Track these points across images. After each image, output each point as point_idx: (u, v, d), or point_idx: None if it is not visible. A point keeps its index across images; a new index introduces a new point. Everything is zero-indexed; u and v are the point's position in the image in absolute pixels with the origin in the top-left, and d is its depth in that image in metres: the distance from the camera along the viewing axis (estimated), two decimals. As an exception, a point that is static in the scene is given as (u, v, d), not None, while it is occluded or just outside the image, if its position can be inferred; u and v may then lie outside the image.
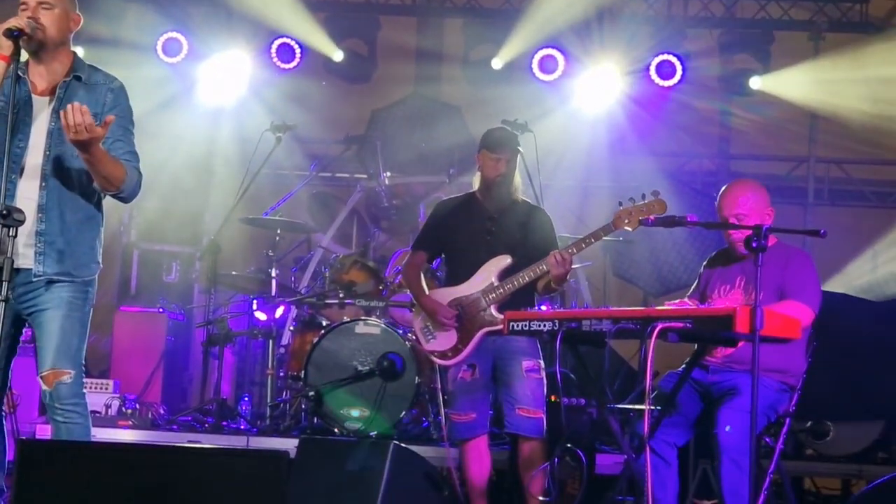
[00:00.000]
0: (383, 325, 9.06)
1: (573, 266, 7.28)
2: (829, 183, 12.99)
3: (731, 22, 12.36)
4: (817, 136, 12.71)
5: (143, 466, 4.98)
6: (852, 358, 8.43)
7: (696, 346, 6.33)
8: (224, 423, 9.27)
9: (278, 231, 10.24)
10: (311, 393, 8.89)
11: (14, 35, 5.58)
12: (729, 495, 6.18)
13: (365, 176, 11.69)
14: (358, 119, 12.40)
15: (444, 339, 7.41)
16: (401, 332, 9.06)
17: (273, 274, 9.99)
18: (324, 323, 9.56)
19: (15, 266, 5.48)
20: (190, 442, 8.59)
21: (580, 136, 11.86)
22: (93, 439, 5.94)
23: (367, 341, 9.01)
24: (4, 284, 5.33)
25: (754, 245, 5.90)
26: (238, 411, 9.71)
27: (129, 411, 9.42)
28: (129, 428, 9.09)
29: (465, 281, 7.38)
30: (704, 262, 7.07)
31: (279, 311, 10.28)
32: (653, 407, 6.05)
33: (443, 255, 7.82)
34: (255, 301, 10.23)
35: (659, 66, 11.68)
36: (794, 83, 11.96)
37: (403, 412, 8.88)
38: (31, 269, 5.74)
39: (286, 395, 9.69)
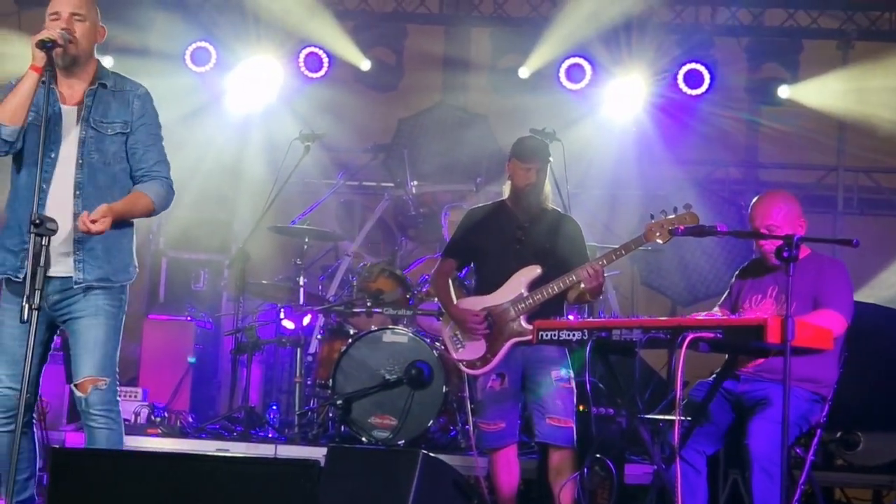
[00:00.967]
0: (411, 334, 9.06)
1: (601, 275, 7.28)
2: (859, 192, 12.94)
3: (759, 30, 12.34)
4: (846, 145, 12.66)
5: (175, 475, 5.00)
6: (883, 368, 8.39)
7: (726, 356, 6.32)
8: (252, 431, 9.27)
9: (306, 239, 10.23)
10: (339, 401, 8.90)
11: (47, 46, 5.63)
12: (760, 506, 6.17)
13: (392, 184, 11.70)
14: (385, 128, 12.41)
15: (473, 349, 7.40)
16: (428, 340, 9.06)
17: (301, 282, 9.99)
18: (351, 331, 9.57)
19: (49, 274, 5.53)
20: (219, 450, 8.62)
21: (608, 144, 11.83)
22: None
23: (395, 350, 9.01)
24: (37, 293, 5.37)
25: (785, 255, 5.87)
26: (266, 419, 9.72)
27: (158, 419, 9.46)
28: (158, 436, 9.12)
29: (494, 290, 7.38)
30: (736, 273, 7.05)
31: (306, 320, 10.29)
32: (683, 417, 6.03)
33: (472, 264, 7.81)
34: (282, 310, 10.24)
35: (687, 75, 11.67)
36: (822, 92, 11.94)
37: (431, 421, 8.87)
38: (67, 277, 5.80)
39: (314, 403, 9.68)
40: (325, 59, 11.89)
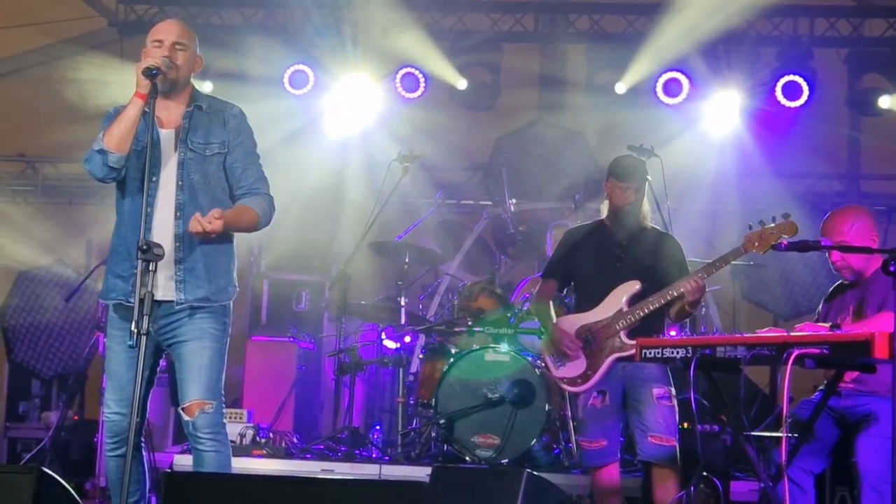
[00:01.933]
0: (513, 352, 9.07)
1: (702, 290, 7.24)
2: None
3: (858, 41, 12.18)
4: (949, 155, 12.47)
5: (285, 498, 5.04)
6: None
7: (826, 371, 6.26)
8: (356, 451, 9.33)
9: (406, 259, 10.27)
10: (442, 421, 8.93)
11: (152, 74, 5.73)
12: (870, 523, 6.10)
13: (490, 203, 11.72)
14: (482, 146, 12.44)
15: (574, 366, 7.39)
16: (530, 358, 9.05)
17: (402, 302, 10.02)
18: (453, 350, 9.59)
19: (156, 299, 5.62)
20: (324, 471, 8.71)
21: (707, 159, 11.76)
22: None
23: (497, 368, 9.03)
24: (145, 318, 5.46)
25: (892, 269, 5.80)
26: (369, 439, 9.77)
27: (263, 440, 9.55)
28: (264, 457, 9.21)
29: (594, 307, 7.37)
30: (823, 300, 6.99)
31: (408, 339, 10.34)
32: (790, 434, 5.98)
33: (572, 283, 7.81)
34: (383, 331, 10.29)
35: (785, 87, 11.59)
36: (925, 102, 11.79)
37: (534, 439, 8.86)
38: (170, 301, 5.88)
39: (416, 422, 9.72)
40: (422, 80, 11.95)
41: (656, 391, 7.19)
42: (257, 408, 10.17)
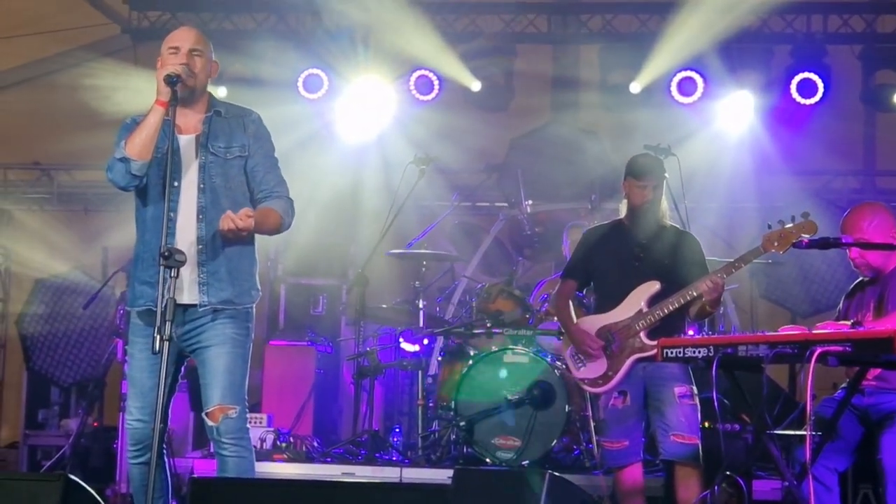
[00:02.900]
0: (532, 354, 9.07)
1: (720, 289, 7.23)
2: (979, 198, 12.70)
3: (872, 37, 12.12)
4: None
5: (309, 501, 5.04)
6: None
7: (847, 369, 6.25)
8: (377, 454, 9.32)
9: (423, 262, 10.27)
10: (462, 423, 8.93)
11: (173, 81, 5.75)
12: (895, 521, 6.09)
13: (506, 204, 11.72)
14: (497, 148, 12.45)
15: (595, 367, 7.40)
16: (549, 360, 9.05)
17: (420, 305, 10.02)
18: (471, 352, 9.59)
19: (180, 302, 5.64)
20: (344, 474, 8.72)
21: (723, 157, 11.73)
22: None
23: (516, 370, 9.04)
24: (168, 324, 5.47)
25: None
26: (390, 443, 9.76)
27: (284, 444, 9.55)
28: (285, 461, 9.22)
29: (614, 308, 7.37)
30: (843, 296, 6.98)
31: (426, 341, 10.33)
32: (814, 432, 5.97)
33: (591, 283, 7.81)
34: (401, 336, 10.28)
35: (800, 85, 11.57)
36: (940, 97, 11.76)
37: (555, 441, 8.87)
38: (193, 305, 5.90)
39: (436, 425, 9.72)
40: (436, 82, 11.94)
41: (678, 390, 7.19)
42: (277, 412, 10.18)
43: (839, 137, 12.40)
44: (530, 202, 10.88)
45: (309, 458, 9.43)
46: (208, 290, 5.91)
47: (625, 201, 7.53)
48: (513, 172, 11.26)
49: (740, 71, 11.73)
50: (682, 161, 8.69)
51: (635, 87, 11.91)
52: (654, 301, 7.26)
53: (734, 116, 11.78)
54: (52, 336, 12.71)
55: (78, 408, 12.24)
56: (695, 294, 7.12)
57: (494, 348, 9.26)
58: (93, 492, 5.62)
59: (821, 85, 11.53)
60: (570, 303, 7.70)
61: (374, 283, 10.29)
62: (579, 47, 12.85)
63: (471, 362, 9.19)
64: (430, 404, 9.81)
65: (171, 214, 5.82)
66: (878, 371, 6.37)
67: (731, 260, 7.28)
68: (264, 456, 9.09)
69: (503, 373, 9.03)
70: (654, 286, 7.28)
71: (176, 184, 5.91)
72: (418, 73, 11.94)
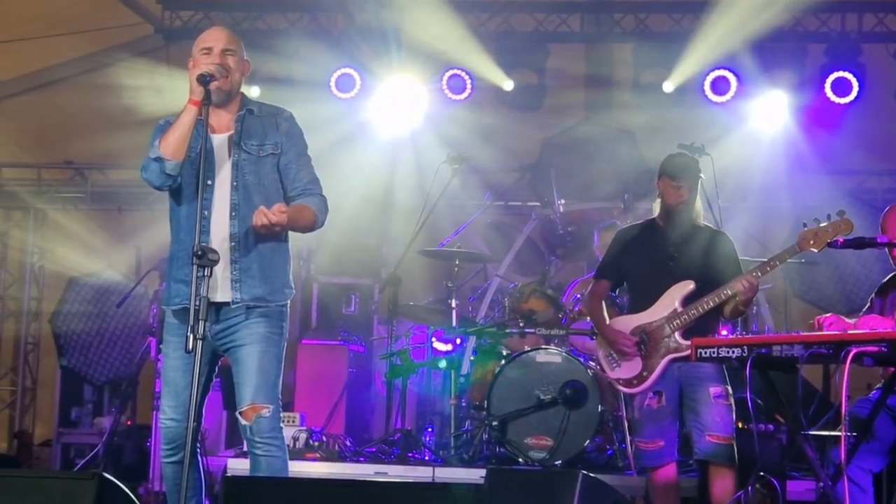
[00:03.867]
0: (564, 354, 9.07)
1: (754, 289, 7.20)
2: None
3: (907, 35, 12.08)
4: None
5: (344, 501, 5.04)
6: None
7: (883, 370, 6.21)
8: (409, 453, 9.32)
9: (456, 261, 10.26)
10: (495, 422, 8.93)
11: (206, 81, 5.76)
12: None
13: (539, 204, 11.70)
14: (530, 147, 12.41)
15: (629, 367, 7.37)
16: (582, 359, 9.04)
17: (453, 304, 10.01)
18: (504, 352, 9.58)
19: (213, 301, 5.65)
20: (377, 473, 8.73)
21: (757, 156, 11.69)
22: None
23: (549, 370, 9.03)
24: (202, 323, 5.47)
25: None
26: (422, 442, 9.77)
27: (317, 443, 9.56)
28: (318, 460, 9.22)
29: (647, 308, 7.35)
30: (873, 293, 6.92)
31: (458, 340, 10.33)
32: (849, 433, 5.93)
33: (624, 283, 7.78)
34: (433, 335, 10.27)
35: (834, 83, 11.51)
36: (975, 95, 11.68)
37: (587, 441, 8.86)
38: (226, 303, 5.90)
39: (469, 424, 9.72)
40: (469, 81, 11.93)
41: (713, 390, 7.16)
42: (309, 411, 10.19)
43: (874, 136, 12.33)
44: (563, 201, 10.86)
45: (341, 458, 9.44)
46: (241, 287, 5.91)
47: (658, 201, 7.50)
48: (546, 172, 11.24)
49: (774, 70, 11.67)
50: (716, 161, 8.65)
51: (668, 87, 11.87)
52: (688, 301, 7.24)
53: (768, 116, 11.74)
54: (86, 334, 12.78)
55: (111, 406, 12.31)
56: (730, 293, 7.11)
57: (527, 348, 9.24)
58: (127, 490, 5.63)
59: (855, 84, 11.48)
60: (604, 303, 7.68)
61: (407, 283, 10.30)
62: (612, 46, 12.82)
63: (503, 362, 9.19)
64: (463, 404, 9.82)
65: (205, 213, 5.82)
66: (911, 370, 6.33)
67: (766, 259, 7.25)
68: (297, 455, 9.09)
69: (536, 373, 9.02)
70: (688, 286, 7.26)
71: (210, 182, 5.91)
72: (451, 72, 11.94)
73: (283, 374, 6.07)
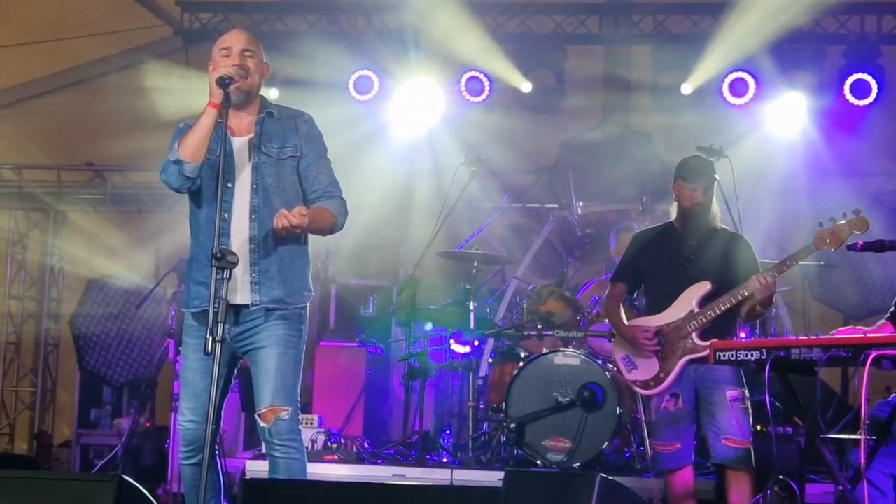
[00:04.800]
0: (582, 356, 9.06)
1: (772, 290, 7.19)
2: None
3: (927, 38, 12.04)
4: None
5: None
6: None
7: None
8: (427, 455, 9.34)
9: (475, 263, 10.26)
10: (513, 425, 8.93)
11: (225, 83, 5.76)
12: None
13: (556, 206, 11.70)
14: (548, 149, 12.40)
15: (646, 369, 7.36)
16: (600, 362, 9.04)
17: (471, 307, 10.01)
18: (522, 354, 9.58)
19: (232, 303, 5.66)
20: (395, 475, 8.73)
21: (776, 159, 11.67)
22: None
23: (567, 372, 9.03)
24: (220, 326, 5.47)
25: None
26: (440, 444, 9.78)
27: (335, 445, 9.57)
28: (336, 462, 9.23)
29: (664, 310, 7.34)
30: None
31: (476, 342, 10.33)
32: (868, 437, 5.92)
33: (642, 286, 7.78)
34: (451, 338, 10.28)
35: (853, 85, 11.49)
36: None
37: (605, 443, 8.85)
38: (246, 305, 5.91)
39: (487, 427, 9.72)
40: (487, 83, 11.93)
41: (730, 393, 7.14)
42: (327, 413, 10.20)
43: (893, 139, 12.28)
44: (581, 203, 10.86)
45: (359, 460, 9.45)
46: (260, 290, 5.92)
47: (675, 203, 7.50)
48: (563, 174, 11.24)
49: (792, 72, 11.65)
50: (734, 163, 8.63)
51: (687, 89, 11.86)
52: (705, 302, 7.23)
53: (786, 118, 11.72)
54: (105, 336, 12.82)
55: (130, 407, 12.34)
56: (746, 293, 7.09)
57: (545, 350, 9.24)
58: (146, 492, 5.65)
59: (875, 86, 11.45)
60: (621, 305, 7.68)
61: (425, 285, 10.30)
62: (630, 48, 12.82)
63: (521, 364, 9.18)
64: (481, 406, 9.81)
65: (225, 215, 5.84)
66: (929, 374, 6.32)
67: (782, 259, 7.24)
68: (315, 457, 9.10)
69: (554, 375, 9.02)
70: (705, 286, 7.25)
71: (230, 185, 5.91)
72: (469, 74, 11.95)
73: (301, 376, 6.07)
